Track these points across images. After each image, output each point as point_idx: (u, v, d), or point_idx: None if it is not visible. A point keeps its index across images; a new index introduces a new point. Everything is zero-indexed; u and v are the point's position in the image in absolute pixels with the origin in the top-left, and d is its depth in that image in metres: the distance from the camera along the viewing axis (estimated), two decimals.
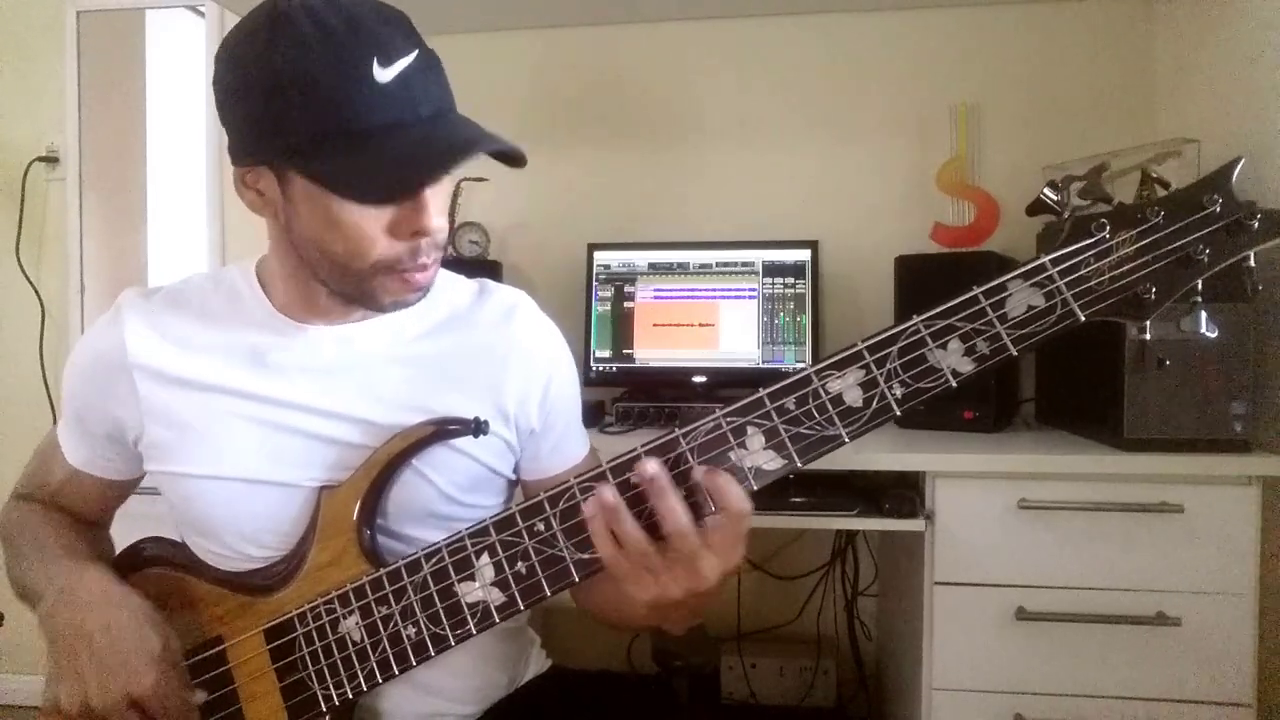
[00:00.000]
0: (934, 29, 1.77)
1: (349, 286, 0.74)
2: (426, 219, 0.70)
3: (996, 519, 1.22)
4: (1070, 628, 1.20)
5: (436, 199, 0.72)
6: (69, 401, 0.84)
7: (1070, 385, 1.47)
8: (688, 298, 1.68)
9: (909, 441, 1.36)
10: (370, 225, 0.70)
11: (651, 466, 0.62)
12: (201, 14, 2.02)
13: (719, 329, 1.66)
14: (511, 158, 0.72)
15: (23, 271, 2.04)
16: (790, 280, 1.65)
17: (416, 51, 0.69)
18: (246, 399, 0.78)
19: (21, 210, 2.03)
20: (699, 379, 1.63)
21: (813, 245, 1.66)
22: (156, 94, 2.07)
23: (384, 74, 0.66)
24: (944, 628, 1.24)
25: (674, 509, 0.62)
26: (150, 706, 0.69)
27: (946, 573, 1.24)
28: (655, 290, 1.69)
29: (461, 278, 0.89)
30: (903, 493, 1.26)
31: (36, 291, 2.05)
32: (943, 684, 1.24)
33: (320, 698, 0.74)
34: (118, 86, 2.07)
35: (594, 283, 1.71)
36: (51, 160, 2.03)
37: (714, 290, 1.67)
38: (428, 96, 0.69)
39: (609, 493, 0.63)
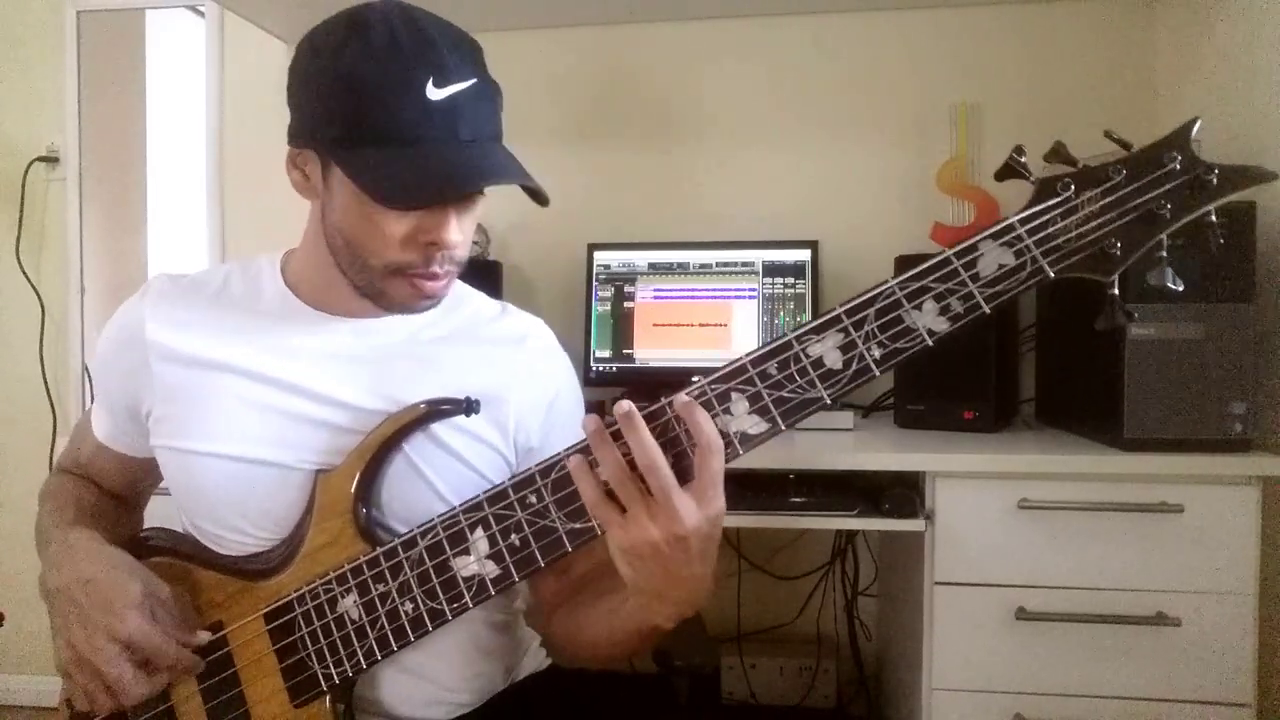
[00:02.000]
0: (934, 29, 1.77)
1: (363, 280, 0.78)
2: (444, 233, 0.74)
3: (996, 519, 1.22)
4: (1070, 628, 1.20)
5: (460, 216, 0.76)
6: (97, 376, 0.88)
7: (1070, 385, 1.48)
8: (688, 298, 1.68)
9: (909, 441, 1.36)
10: (391, 228, 0.74)
11: (625, 404, 0.65)
12: (201, 14, 2.02)
13: (718, 329, 1.66)
14: (534, 195, 0.77)
15: (23, 271, 2.04)
16: (790, 280, 1.65)
17: (474, 80, 0.73)
18: (253, 380, 0.80)
19: (21, 210, 2.04)
20: (699, 379, 1.63)
21: (813, 245, 1.66)
22: (156, 94, 2.08)
23: (436, 94, 0.70)
24: (944, 628, 1.24)
25: (645, 443, 0.64)
26: (137, 646, 0.71)
27: (946, 573, 1.24)
28: (655, 290, 1.69)
29: (486, 296, 0.93)
30: (903, 493, 1.26)
31: (36, 291, 2.05)
32: (943, 684, 1.24)
33: (320, 677, 0.75)
34: (118, 86, 2.08)
35: (594, 283, 1.71)
36: (51, 160, 2.03)
37: (714, 290, 1.67)
38: (472, 122, 0.73)
39: (592, 420, 0.66)
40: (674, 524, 0.63)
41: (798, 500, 1.30)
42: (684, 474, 0.65)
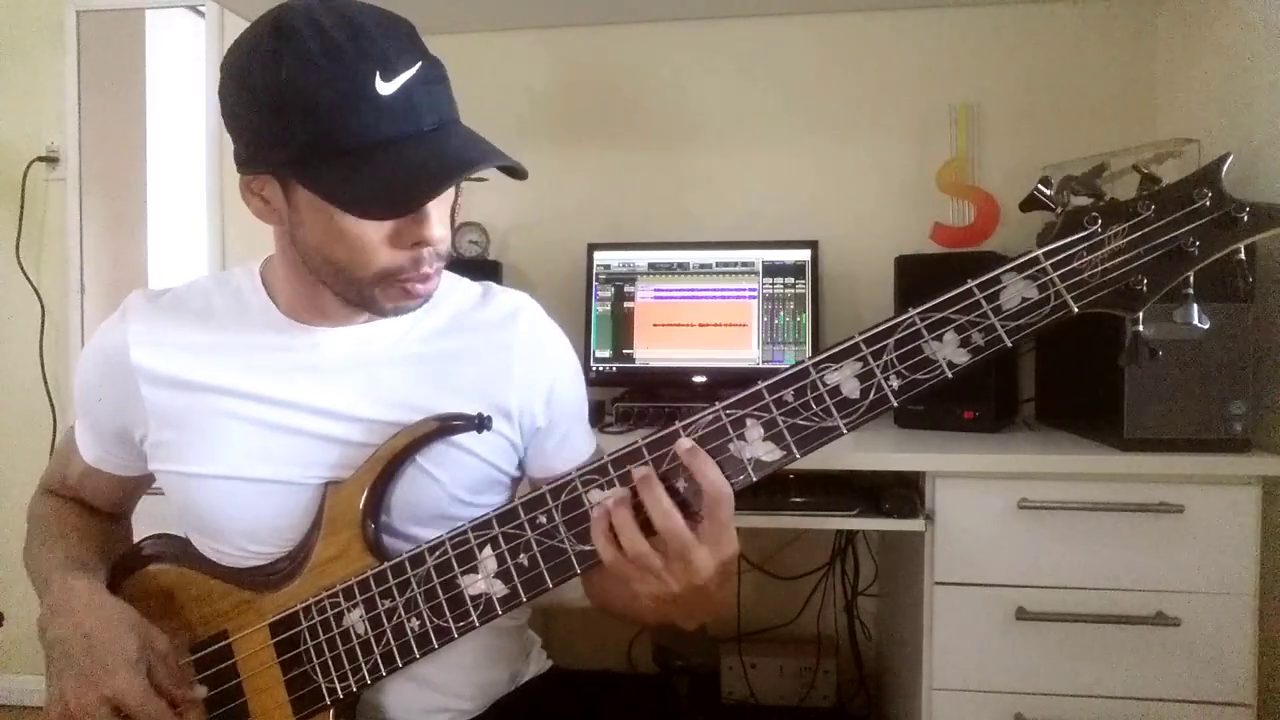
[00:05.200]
0: (934, 29, 1.77)
1: (352, 293, 0.75)
2: (428, 230, 0.71)
3: (996, 519, 1.22)
4: (1070, 628, 1.20)
5: (439, 209, 0.72)
6: (80, 401, 0.85)
7: (1070, 385, 1.48)
8: (688, 298, 1.68)
9: (909, 441, 1.36)
10: (372, 235, 0.71)
11: (640, 470, 0.66)
12: (201, 14, 2.02)
13: (718, 329, 1.66)
14: (512, 172, 0.73)
15: (23, 271, 2.04)
16: (790, 280, 1.65)
17: (419, 64, 0.69)
18: (249, 399, 0.78)
19: (21, 210, 2.03)
20: (699, 379, 1.63)
21: (813, 245, 1.66)
22: (156, 94, 2.07)
23: (386, 87, 0.66)
24: (944, 628, 1.24)
25: (662, 506, 0.64)
26: (126, 706, 0.70)
27: (946, 573, 1.24)
28: (655, 290, 1.69)
29: (466, 280, 0.90)
30: (903, 493, 1.26)
31: (36, 291, 2.05)
32: (943, 684, 1.24)
33: (324, 691, 0.75)
34: (118, 86, 2.07)
35: (594, 283, 1.71)
36: (51, 160, 2.03)
37: (714, 290, 1.67)
38: (431, 108, 0.69)
39: (607, 497, 0.66)
40: (692, 576, 0.65)
41: (798, 500, 1.30)
42: (684, 508, 0.66)
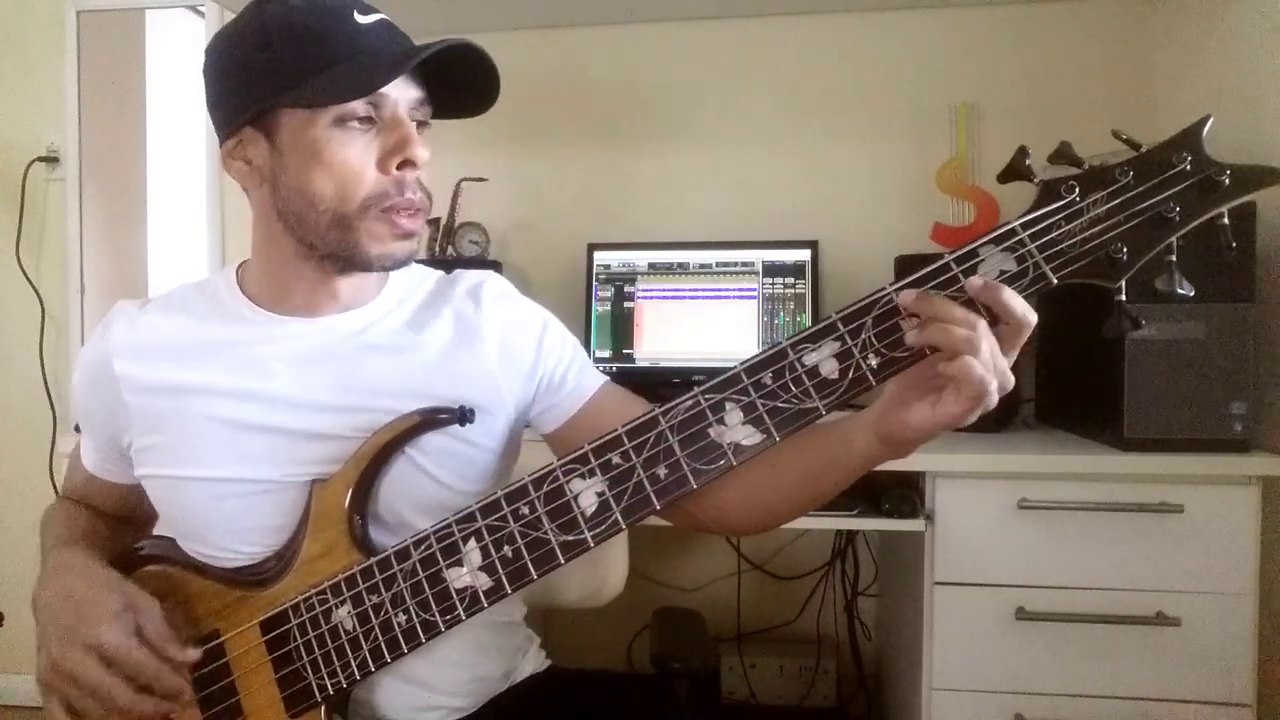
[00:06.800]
0: (934, 29, 1.76)
1: (335, 238, 0.75)
2: (413, 147, 0.74)
3: (996, 519, 1.22)
4: (1070, 628, 1.20)
5: (421, 137, 0.76)
6: (77, 411, 0.87)
7: (1070, 385, 1.47)
8: (688, 297, 1.68)
9: None
10: (358, 159, 0.73)
11: (977, 280, 0.62)
12: (201, 14, 2.02)
13: (718, 329, 1.65)
14: (483, 70, 0.76)
15: (23, 271, 2.04)
16: (790, 280, 1.65)
17: (386, 16, 0.76)
18: (227, 397, 0.78)
19: (21, 210, 2.03)
20: (699, 379, 1.63)
21: (813, 245, 1.66)
22: (156, 94, 2.07)
23: (364, 19, 0.74)
24: (944, 628, 1.24)
25: (1016, 303, 0.61)
26: (108, 654, 0.71)
27: (946, 573, 1.24)
28: (655, 290, 1.69)
29: (435, 270, 0.92)
30: (903, 493, 1.25)
31: (36, 291, 2.04)
32: (943, 684, 1.24)
33: (315, 687, 0.75)
34: (118, 86, 2.07)
35: (594, 283, 1.71)
36: (51, 160, 2.03)
37: (714, 290, 1.67)
38: (401, 40, 0.76)
39: (977, 280, 0.62)
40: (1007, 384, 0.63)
41: None
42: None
